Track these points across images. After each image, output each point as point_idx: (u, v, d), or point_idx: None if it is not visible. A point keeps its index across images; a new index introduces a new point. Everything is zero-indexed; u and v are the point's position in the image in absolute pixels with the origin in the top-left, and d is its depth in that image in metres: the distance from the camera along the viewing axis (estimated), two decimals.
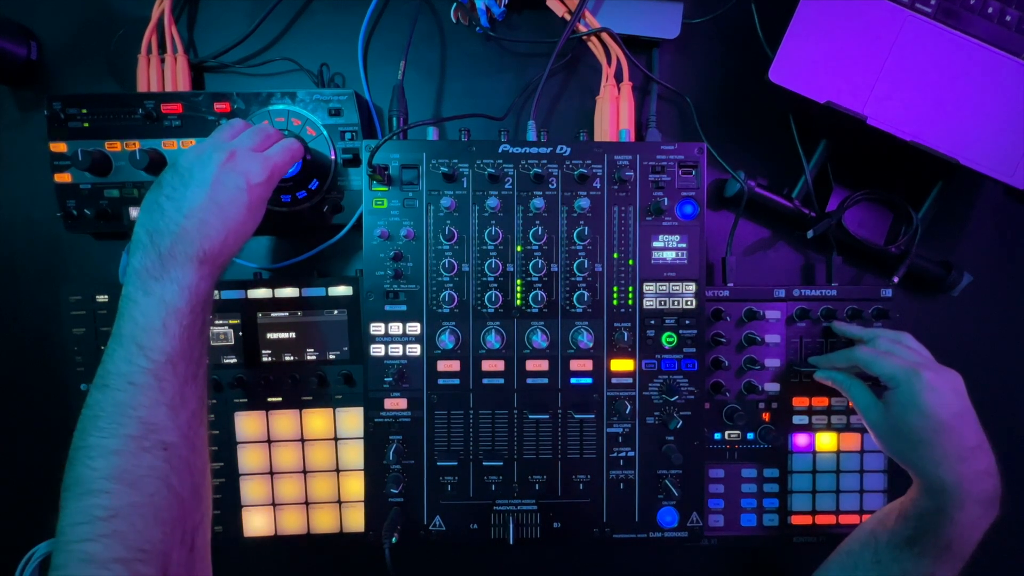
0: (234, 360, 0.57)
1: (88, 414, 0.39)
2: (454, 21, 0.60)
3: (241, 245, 0.46)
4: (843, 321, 0.57)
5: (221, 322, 0.57)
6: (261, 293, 0.56)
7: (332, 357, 0.57)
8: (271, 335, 0.57)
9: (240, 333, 0.57)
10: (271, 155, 0.47)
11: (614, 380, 0.54)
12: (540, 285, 0.54)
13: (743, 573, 0.63)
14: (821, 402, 0.59)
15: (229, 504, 0.57)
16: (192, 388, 0.42)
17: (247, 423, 0.57)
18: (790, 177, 0.61)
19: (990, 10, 0.55)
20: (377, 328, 0.53)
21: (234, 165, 0.45)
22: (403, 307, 0.53)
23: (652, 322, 0.54)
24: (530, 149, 0.53)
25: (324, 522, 0.58)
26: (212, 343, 0.56)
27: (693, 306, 0.54)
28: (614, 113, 0.58)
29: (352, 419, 0.58)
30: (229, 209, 0.44)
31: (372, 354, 0.54)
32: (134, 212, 0.56)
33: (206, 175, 0.43)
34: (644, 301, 0.54)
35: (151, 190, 0.44)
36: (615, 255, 0.54)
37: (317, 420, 0.58)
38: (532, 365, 0.54)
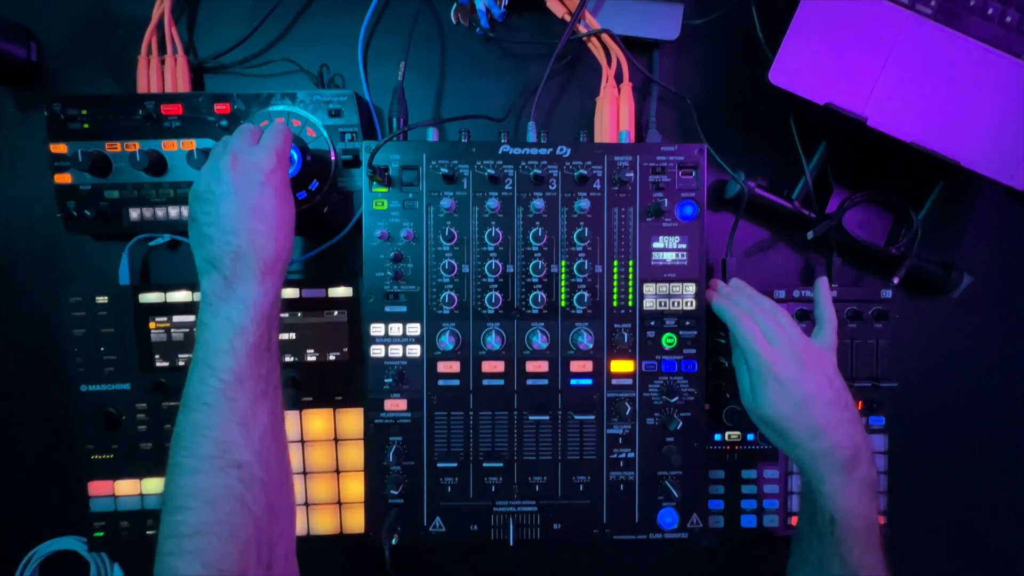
0: None
1: (175, 433, 0.41)
2: (454, 22, 0.60)
3: (291, 242, 0.47)
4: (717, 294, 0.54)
5: None
6: None
7: (332, 358, 0.57)
8: None
9: None
10: (266, 141, 0.48)
11: (614, 381, 0.54)
12: (540, 286, 0.54)
13: (743, 573, 0.63)
14: None
15: None
16: (263, 406, 0.43)
17: None
18: (790, 178, 0.61)
19: (990, 11, 0.55)
20: (377, 329, 0.53)
21: (242, 165, 0.45)
22: (403, 308, 0.53)
23: (652, 323, 0.54)
24: (530, 150, 0.53)
25: (324, 523, 0.58)
26: None
27: (693, 307, 0.54)
28: (614, 114, 0.58)
29: (352, 420, 0.58)
30: (263, 207, 0.45)
31: (372, 355, 0.54)
32: (134, 213, 0.56)
33: (225, 186, 0.44)
34: (644, 302, 0.54)
35: (189, 228, 0.46)
36: (615, 264, 0.54)
37: (317, 421, 0.58)
38: (532, 366, 0.54)
